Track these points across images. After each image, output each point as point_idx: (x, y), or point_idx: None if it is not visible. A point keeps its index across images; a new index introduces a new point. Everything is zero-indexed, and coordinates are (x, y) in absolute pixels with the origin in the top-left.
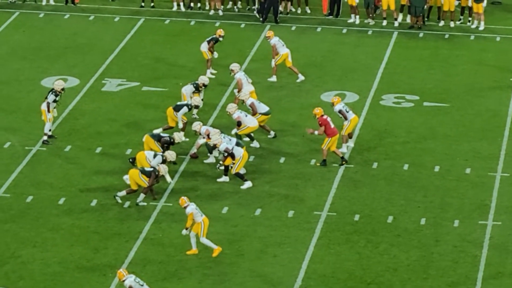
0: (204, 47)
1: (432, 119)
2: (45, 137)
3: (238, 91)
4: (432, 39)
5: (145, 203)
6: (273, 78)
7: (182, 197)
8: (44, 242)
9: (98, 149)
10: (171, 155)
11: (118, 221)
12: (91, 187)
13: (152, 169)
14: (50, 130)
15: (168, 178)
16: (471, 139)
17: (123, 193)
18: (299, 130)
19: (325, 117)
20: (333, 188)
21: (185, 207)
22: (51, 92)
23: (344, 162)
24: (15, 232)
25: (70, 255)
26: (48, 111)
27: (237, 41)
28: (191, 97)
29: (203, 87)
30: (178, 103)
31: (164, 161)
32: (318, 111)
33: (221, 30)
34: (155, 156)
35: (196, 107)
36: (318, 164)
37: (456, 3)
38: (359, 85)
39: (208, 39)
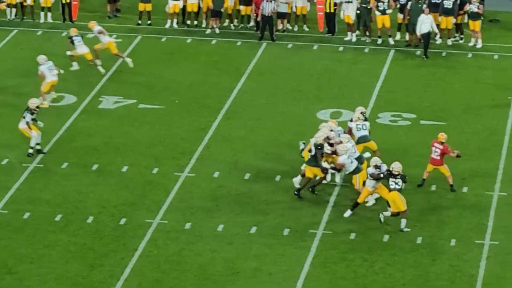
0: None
1: (429, 138)
2: (30, 150)
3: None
4: (429, 57)
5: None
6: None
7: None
8: (41, 258)
9: (95, 166)
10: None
11: (114, 238)
12: (87, 204)
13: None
14: (39, 144)
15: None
16: (468, 157)
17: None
18: (294, 147)
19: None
20: (329, 206)
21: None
22: (27, 111)
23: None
24: (12, 248)
25: (66, 271)
26: (30, 128)
27: (233, 59)
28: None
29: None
30: None
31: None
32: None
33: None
34: None
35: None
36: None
37: (453, 20)
38: (355, 103)
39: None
